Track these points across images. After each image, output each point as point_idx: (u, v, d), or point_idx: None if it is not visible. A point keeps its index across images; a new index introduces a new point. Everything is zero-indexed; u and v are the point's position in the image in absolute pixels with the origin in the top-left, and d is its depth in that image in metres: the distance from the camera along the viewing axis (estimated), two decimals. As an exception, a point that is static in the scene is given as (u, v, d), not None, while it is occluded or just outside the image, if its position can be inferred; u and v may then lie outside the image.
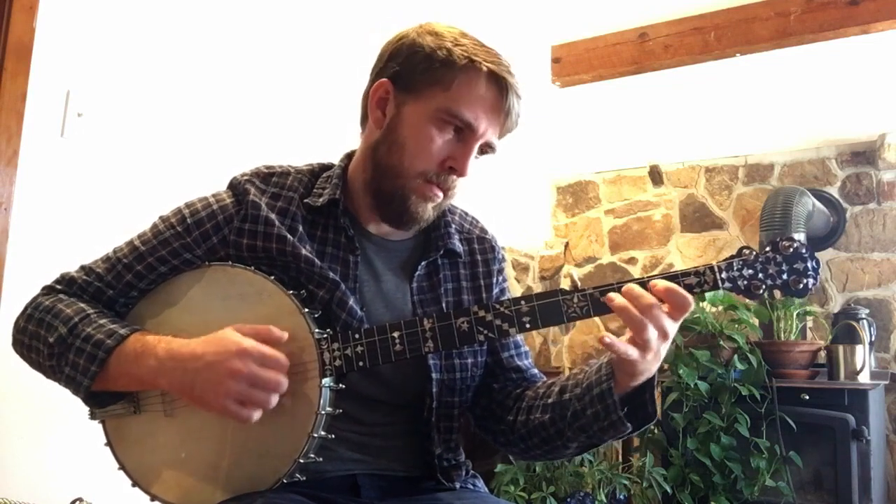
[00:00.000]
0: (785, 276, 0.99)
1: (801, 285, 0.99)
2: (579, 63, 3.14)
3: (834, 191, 3.80)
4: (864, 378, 3.06)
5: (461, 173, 1.08)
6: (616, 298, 0.96)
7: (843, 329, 3.26)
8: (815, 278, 0.99)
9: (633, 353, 0.96)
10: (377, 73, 1.13)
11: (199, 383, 0.95)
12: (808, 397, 3.03)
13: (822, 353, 3.25)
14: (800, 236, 3.36)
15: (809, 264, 0.99)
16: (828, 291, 3.74)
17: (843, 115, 3.49)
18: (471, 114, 1.05)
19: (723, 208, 4.06)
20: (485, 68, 1.05)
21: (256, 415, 0.95)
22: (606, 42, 3.08)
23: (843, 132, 3.68)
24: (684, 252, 4.12)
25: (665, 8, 2.89)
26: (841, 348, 3.13)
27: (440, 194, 1.09)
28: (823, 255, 3.76)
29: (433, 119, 1.06)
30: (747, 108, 3.46)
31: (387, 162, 1.09)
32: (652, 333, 0.95)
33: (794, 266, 0.99)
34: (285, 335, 0.98)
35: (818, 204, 3.61)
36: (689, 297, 0.96)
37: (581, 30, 3.08)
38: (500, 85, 1.06)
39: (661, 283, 0.96)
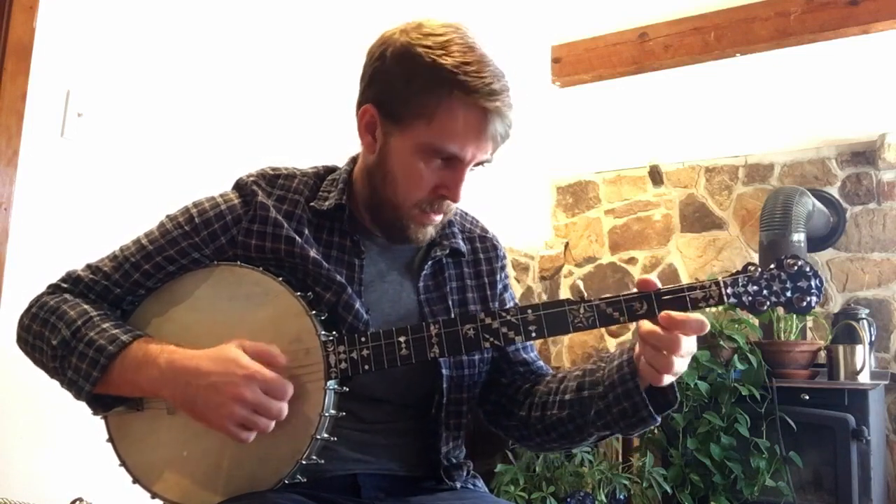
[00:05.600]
0: (789, 294, 1.00)
1: (805, 303, 1.00)
2: (579, 63, 3.14)
3: (834, 191, 3.80)
4: (864, 378, 3.06)
5: (454, 200, 1.08)
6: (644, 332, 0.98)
7: (843, 329, 3.26)
8: (818, 297, 1.00)
9: (667, 379, 0.98)
10: (362, 93, 1.10)
11: (202, 401, 0.96)
12: (808, 397, 3.03)
13: (822, 353, 3.25)
14: (800, 236, 3.37)
15: (813, 283, 1.00)
16: (828, 291, 3.74)
17: (843, 115, 3.49)
18: (455, 146, 1.03)
19: (723, 208, 4.06)
20: (462, 98, 1.00)
21: (252, 437, 0.96)
22: (606, 42, 3.08)
23: (843, 132, 3.68)
24: (684, 252, 4.12)
25: (665, 8, 2.89)
26: (841, 348, 3.13)
27: (437, 218, 1.10)
28: (823, 255, 3.76)
29: (419, 153, 1.04)
30: (747, 108, 3.46)
31: (382, 193, 1.09)
32: (678, 366, 0.97)
33: (798, 284, 1.00)
34: (284, 359, 0.99)
35: (818, 204, 3.61)
36: (705, 321, 0.97)
37: (581, 30, 3.08)
38: (481, 113, 1.01)
39: (676, 316, 0.96)
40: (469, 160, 1.05)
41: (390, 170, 1.07)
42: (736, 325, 3.13)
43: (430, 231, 1.12)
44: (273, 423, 0.96)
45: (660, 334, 0.96)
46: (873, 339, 3.39)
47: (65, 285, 1.11)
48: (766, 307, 1.00)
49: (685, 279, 4.07)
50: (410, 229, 1.10)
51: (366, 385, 1.06)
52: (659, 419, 1.03)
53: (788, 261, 1.01)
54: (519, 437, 1.20)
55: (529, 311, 1.01)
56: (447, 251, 1.19)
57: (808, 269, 1.01)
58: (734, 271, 1.02)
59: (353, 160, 1.20)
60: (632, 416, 1.02)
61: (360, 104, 1.11)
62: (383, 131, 1.07)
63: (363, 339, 1.02)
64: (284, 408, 0.96)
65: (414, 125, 1.03)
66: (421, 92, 1.01)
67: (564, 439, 1.13)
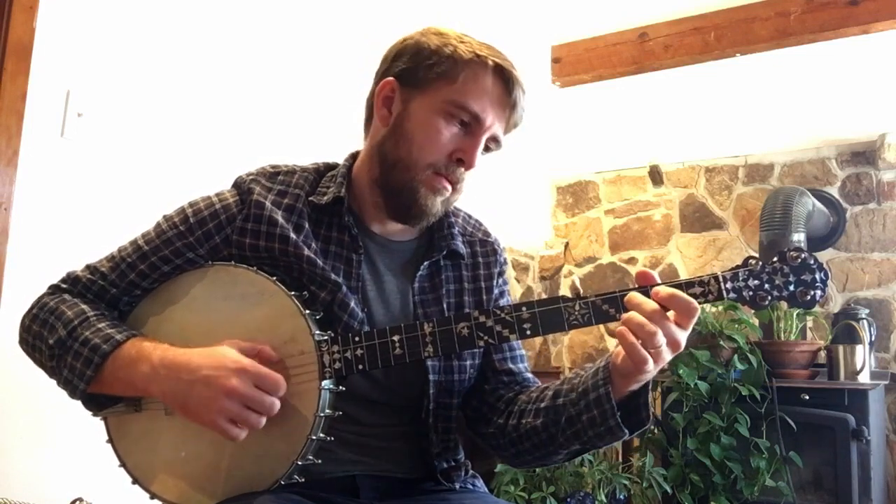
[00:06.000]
0: (792, 288, 0.97)
1: (809, 297, 0.96)
2: (579, 63, 3.14)
3: (834, 191, 3.80)
4: (864, 378, 3.06)
5: (469, 165, 1.08)
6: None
7: (843, 329, 3.26)
8: (822, 290, 0.96)
9: (651, 364, 0.93)
10: (382, 74, 1.13)
11: (193, 396, 0.95)
12: (808, 397, 3.03)
13: (822, 353, 3.25)
14: (800, 236, 3.37)
15: (818, 275, 0.97)
16: (828, 291, 3.74)
17: (843, 115, 3.48)
18: (478, 105, 1.06)
19: (723, 208, 4.06)
20: (491, 62, 1.07)
21: (244, 434, 0.95)
22: (606, 42, 3.08)
23: (843, 132, 3.68)
24: (684, 252, 4.12)
25: (665, 8, 2.89)
26: (841, 348, 3.13)
27: (448, 187, 1.10)
28: (823, 255, 3.76)
29: (440, 111, 1.07)
30: (747, 108, 3.46)
31: (394, 155, 1.09)
32: (661, 340, 0.92)
33: (802, 277, 0.97)
34: (276, 356, 0.99)
35: (818, 204, 3.61)
36: (694, 302, 0.93)
37: (581, 30, 3.07)
38: (505, 78, 1.07)
39: (664, 290, 0.94)
40: (488, 125, 1.07)
41: (406, 130, 1.09)
42: (736, 325, 3.13)
43: (439, 204, 1.11)
44: (264, 420, 0.95)
45: (646, 301, 0.93)
46: (873, 339, 3.39)
47: (64, 286, 1.12)
48: (767, 302, 0.96)
49: (685, 279, 4.06)
50: (420, 194, 1.08)
51: (359, 387, 1.06)
52: (628, 433, 1.00)
53: (791, 253, 0.97)
54: (495, 446, 1.17)
55: (524, 308, 1.00)
56: (444, 252, 1.18)
57: (812, 261, 0.97)
58: (734, 265, 0.98)
59: (353, 156, 1.21)
60: (600, 424, 0.99)
61: (377, 83, 1.14)
62: (402, 99, 1.10)
63: (357, 338, 1.01)
64: (276, 403, 0.95)
65: (438, 84, 1.07)
66: (449, 58, 1.06)
67: (537, 450, 1.10)
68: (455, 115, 1.06)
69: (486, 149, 1.11)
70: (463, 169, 1.09)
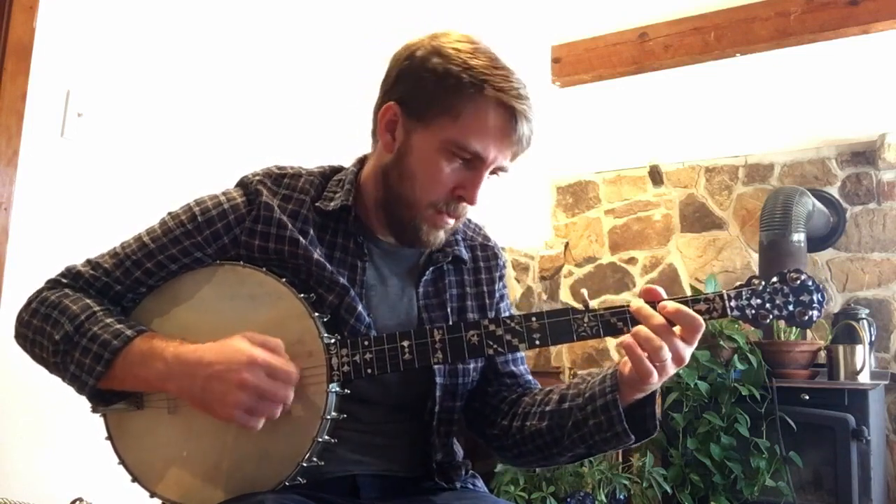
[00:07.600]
0: (791, 308, 1.01)
1: (807, 317, 1.01)
2: (579, 63, 3.13)
3: (834, 191, 3.80)
4: (864, 378, 3.06)
5: (471, 202, 1.07)
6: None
7: (843, 329, 3.26)
8: (819, 311, 1.01)
9: (656, 377, 0.96)
10: (385, 93, 1.11)
11: (208, 391, 0.95)
12: (808, 397, 3.03)
13: (822, 353, 3.25)
14: (800, 236, 3.37)
15: (815, 297, 1.01)
16: (828, 291, 3.74)
17: (843, 115, 3.49)
18: (480, 145, 1.03)
19: (723, 208, 4.06)
20: (493, 96, 1.02)
21: (261, 424, 0.96)
22: (606, 42, 3.08)
23: (843, 132, 3.68)
24: (684, 252, 4.12)
25: (665, 8, 2.89)
26: (841, 348, 3.13)
27: (451, 221, 1.10)
28: (823, 255, 3.76)
29: (441, 150, 1.04)
30: (747, 108, 3.46)
31: (398, 191, 1.08)
32: (667, 355, 0.95)
33: (801, 298, 1.01)
34: (286, 355, 0.98)
35: (818, 204, 3.62)
36: (699, 318, 0.96)
37: (581, 30, 3.07)
38: (509, 112, 1.03)
39: (671, 305, 0.97)
40: (490, 161, 1.05)
41: (409, 167, 1.07)
42: (736, 325, 3.13)
43: (442, 235, 1.11)
44: (280, 410, 0.96)
45: (654, 315, 0.96)
46: (873, 339, 3.39)
47: (64, 280, 1.10)
48: (768, 320, 1.01)
49: (685, 279, 4.07)
50: (423, 231, 1.09)
51: (360, 386, 1.06)
52: (634, 439, 1.03)
53: (791, 274, 1.01)
54: (498, 447, 1.19)
55: (534, 318, 1.01)
56: (449, 258, 1.18)
57: (810, 283, 1.01)
58: (738, 284, 1.02)
59: (360, 162, 1.19)
60: (606, 430, 1.02)
61: (381, 100, 1.11)
62: (405, 129, 1.07)
63: (366, 342, 1.01)
64: (290, 393, 0.96)
65: (440, 122, 1.03)
66: (451, 89, 1.02)
67: (540, 452, 1.12)
68: (457, 154, 1.04)
69: (493, 172, 1.09)
70: (465, 204, 1.08)
